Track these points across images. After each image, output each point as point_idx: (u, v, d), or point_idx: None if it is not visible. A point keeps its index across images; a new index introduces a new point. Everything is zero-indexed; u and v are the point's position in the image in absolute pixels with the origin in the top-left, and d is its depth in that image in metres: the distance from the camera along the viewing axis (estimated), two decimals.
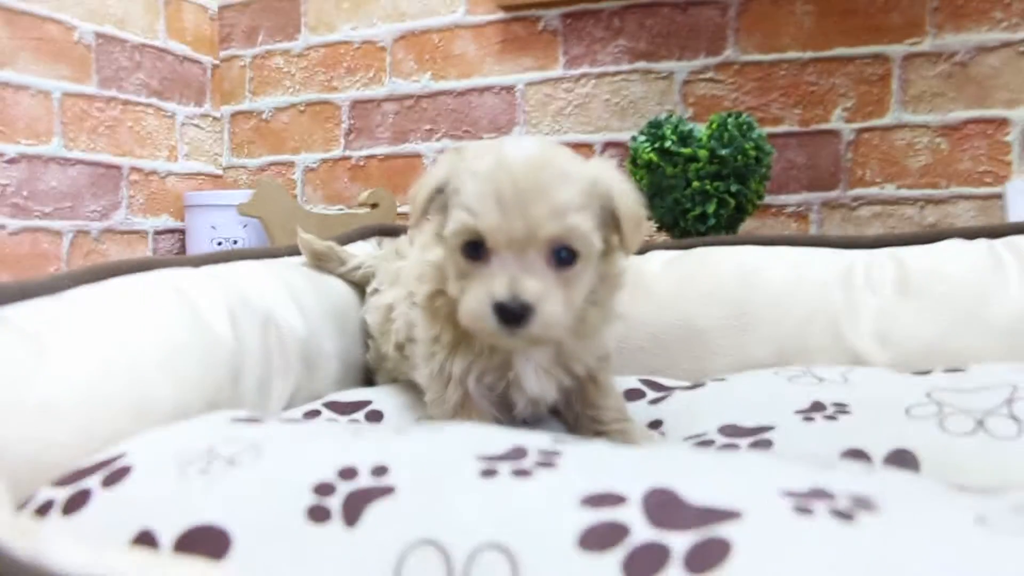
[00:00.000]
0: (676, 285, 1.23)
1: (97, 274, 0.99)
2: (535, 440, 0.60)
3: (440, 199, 0.82)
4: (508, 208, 0.74)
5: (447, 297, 0.85)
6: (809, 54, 1.84)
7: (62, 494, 0.64)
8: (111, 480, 0.64)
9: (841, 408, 0.88)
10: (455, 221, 0.78)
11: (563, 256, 0.77)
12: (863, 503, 0.47)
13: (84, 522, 0.61)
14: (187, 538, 0.55)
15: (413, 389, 1.03)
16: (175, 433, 0.73)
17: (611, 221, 0.82)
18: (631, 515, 0.48)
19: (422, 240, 0.94)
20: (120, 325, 0.92)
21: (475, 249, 0.78)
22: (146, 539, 0.56)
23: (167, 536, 0.56)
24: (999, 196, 1.71)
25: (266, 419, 0.78)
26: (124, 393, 0.84)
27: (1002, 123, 1.72)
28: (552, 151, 0.79)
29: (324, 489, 0.56)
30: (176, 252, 2.27)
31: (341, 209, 2.27)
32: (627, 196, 0.81)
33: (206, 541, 0.54)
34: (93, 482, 0.64)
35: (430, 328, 0.89)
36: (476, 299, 0.76)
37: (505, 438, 0.61)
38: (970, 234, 1.22)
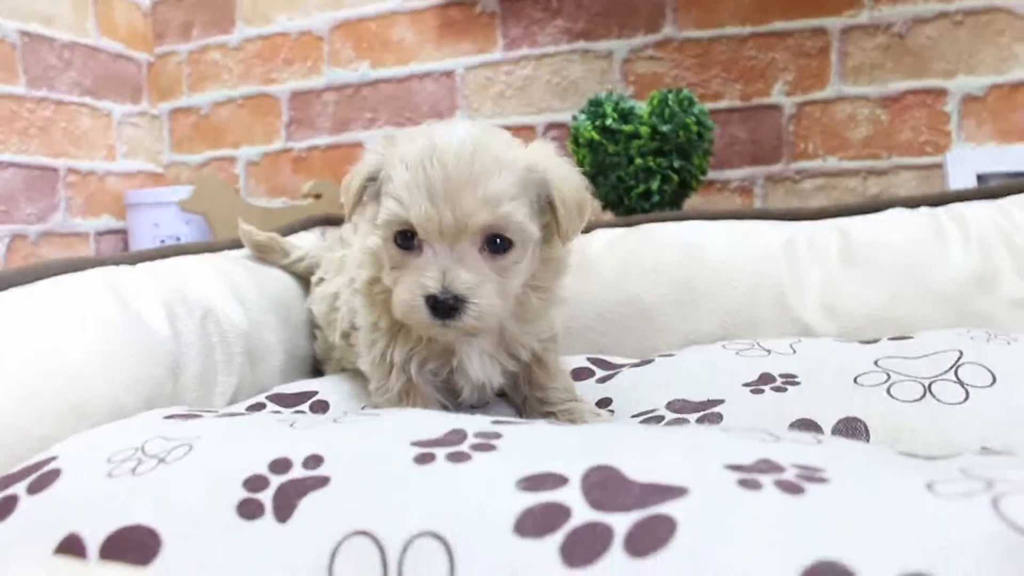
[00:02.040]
0: (621, 263, 1.23)
1: (28, 275, 0.97)
2: (474, 423, 0.59)
3: (373, 187, 0.81)
4: (438, 198, 0.73)
5: (385, 283, 0.83)
6: (748, 29, 1.84)
7: None
8: (39, 485, 0.62)
9: (790, 379, 0.88)
10: (385, 211, 0.77)
11: (497, 244, 0.76)
12: (811, 474, 0.47)
13: (10, 530, 0.59)
14: (115, 540, 0.53)
15: (360, 378, 1.02)
16: (106, 433, 0.71)
17: (549, 207, 0.80)
18: (572, 496, 0.47)
19: (364, 227, 0.92)
20: (53, 326, 0.90)
21: (407, 239, 0.77)
22: (73, 543, 0.54)
23: (94, 539, 0.54)
24: (940, 166, 1.73)
25: (202, 415, 0.76)
26: (58, 395, 0.83)
27: (940, 93, 1.74)
28: (486, 136, 0.77)
29: (256, 483, 0.54)
30: (119, 252, 2.22)
31: (285, 201, 2.23)
32: (565, 182, 0.80)
33: (135, 542, 0.52)
34: (20, 488, 0.62)
35: (369, 315, 0.88)
36: (408, 291, 0.75)
37: (442, 422, 0.59)
38: (912, 203, 1.23)
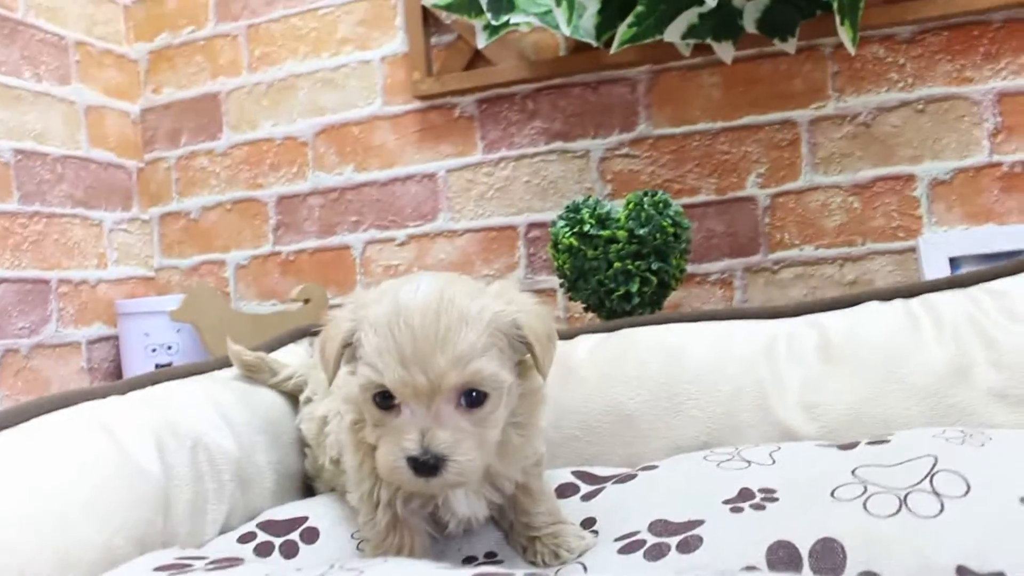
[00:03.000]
0: (604, 370, 1.25)
1: (18, 416, 0.99)
2: None
3: (349, 351, 0.83)
4: (409, 362, 0.75)
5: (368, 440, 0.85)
6: (719, 124, 1.89)
7: None
8: None
9: (769, 495, 0.90)
10: (361, 376, 0.79)
11: (473, 397, 0.78)
12: None
13: None
14: None
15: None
16: None
17: (521, 346, 0.83)
18: None
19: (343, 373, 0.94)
20: (43, 471, 0.91)
21: (385, 399, 0.78)
22: None
23: None
24: (913, 250, 1.77)
25: (192, 564, 0.77)
26: (50, 544, 0.83)
27: (909, 179, 1.78)
28: (450, 291, 0.79)
29: None
30: (111, 360, 2.24)
31: (274, 304, 2.26)
32: (533, 318, 0.82)
33: None
34: None
35: (355, 457, 0.90)
36: (390, 453, 0.77)
37: None
38: (887, 295, 1.25)
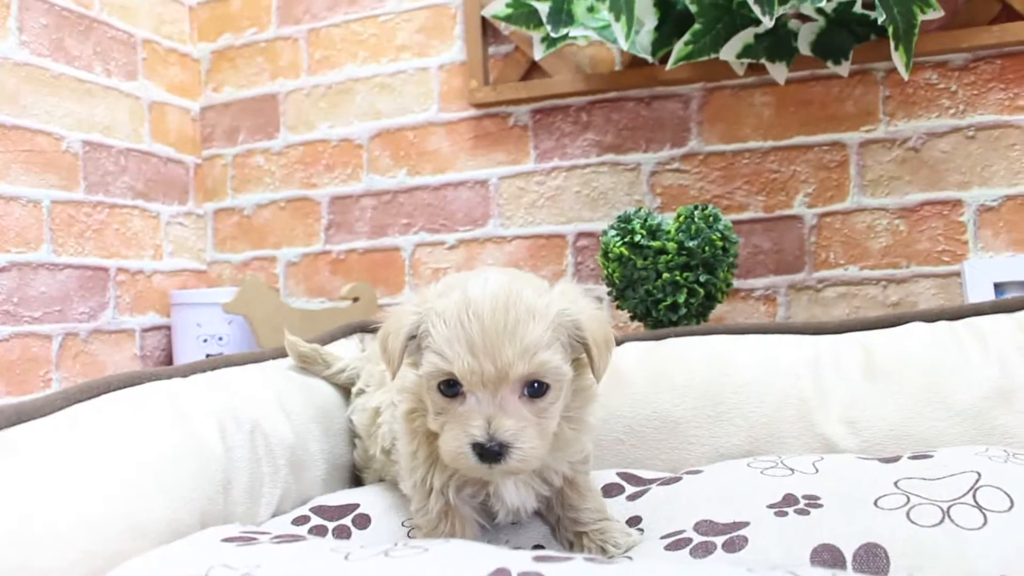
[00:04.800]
0: (651, 378, 1.27)
1: (90, 391, 1.02)
2: (517, 561, 0.63)
3: (413, 343, 0.86)
4: (478, 351, 0.79)
5: (424, 416, 0.89)
6: (770, 143, 1.91)
7: None
8: None
9: (812, 501, 0.92)
10: (429, 364, 0.82)
11: (536, 388, 0.82)
12: None
13: None
14: None
15: (399, 489, 1.06)
16: (169, 561, 0.75)
17: (579, 346, 0.86)
18: None
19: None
20: (115, 444, 0.94)
21: (451, 387, 0.82)
22: None
23: None
24: (958, 274, 1.78)
25: (257, 538, 0.80)
26: (121, 514, 0.86)
27: (956, 204, 1.79)
28: (517, 285, 0.83)
29: None
30: (162, 349, 2.30)
31: (323, 302, 2.31)
32: (594, 323, 0.86)
33: None
34: None
35: (410, 444, 0.93)
36: (456, 439, 0.81)
37: (487, 560, 0.64)
38: (931, 317, 1.27)
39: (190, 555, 0.74)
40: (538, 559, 0.64)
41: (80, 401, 1.00)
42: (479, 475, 0.84)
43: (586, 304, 0.87)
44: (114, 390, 1.05)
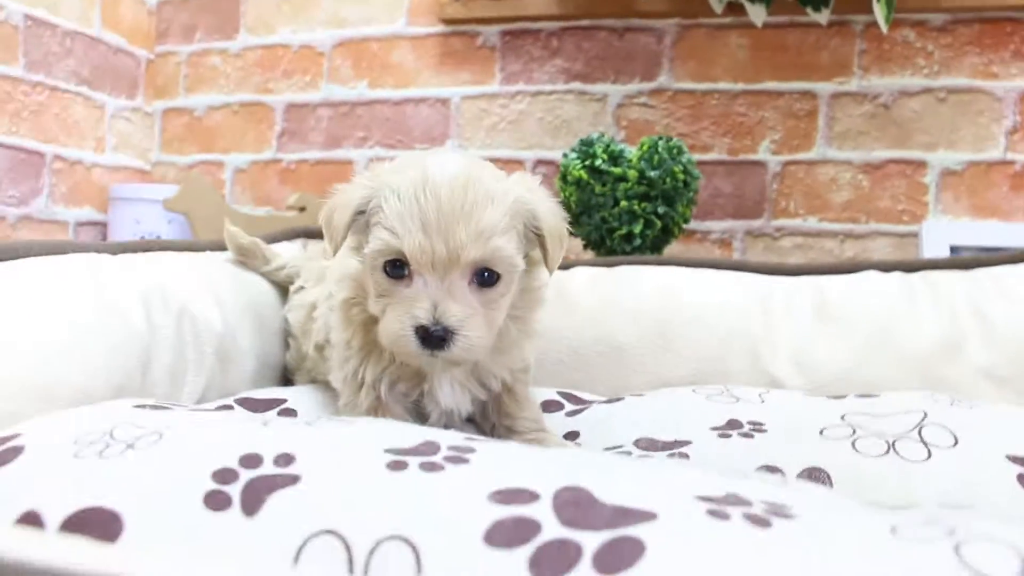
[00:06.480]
0: (599, 302, 1.24)
1: (10, 253, 0.97)
2: (447, 437, 0.60)
3: (360, 219, 0.81)
4: (431, 230, 0.74)
5: (362, 304, 0.84)
6: (740, 86, 1.88)
7: None
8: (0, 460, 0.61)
9: (757, 427, 0.90)
10: (377, 240, 0.77)
11: (485, 277, 0.77)
12: (778, 510, 0.48)
13: None
14: (76, 519, 0.53)
15: (330, 390, 1.02)
16: (74, 416, 0.71)
17: (534, 238, 0.82)
18: (542, 512, 0.48)
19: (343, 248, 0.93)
20: (28, 307, 0.90)
21: (397, 268, 0.77)
22: (31, 519, 0.54)
23: (54, 517, 0.53)
24: (915, 235, 1.77)
25: (172, 407, 0.76)
26: (28, 376, 0.83)
27: (920, 165, 1.78)
28: (477, 169, 0.79)
29: (224, 476, 0.54)
30: None
31: (269, 211, 2.24)
32: (551, 215, 0.82)
33: (96, 523, 0.52)
34: None
35: (344, 333, 0.88)
36: (398, 321, 0.76)
37: (416, 433, 0.60)
38: (887, 267, 1.26)
39: (99, 415, 0.69)
40: (471, 439, 0.60)
41: None
42: (418, 362, 0.79)
43: (543, 194, 0.84)
44: (35, 255, 0.99)
